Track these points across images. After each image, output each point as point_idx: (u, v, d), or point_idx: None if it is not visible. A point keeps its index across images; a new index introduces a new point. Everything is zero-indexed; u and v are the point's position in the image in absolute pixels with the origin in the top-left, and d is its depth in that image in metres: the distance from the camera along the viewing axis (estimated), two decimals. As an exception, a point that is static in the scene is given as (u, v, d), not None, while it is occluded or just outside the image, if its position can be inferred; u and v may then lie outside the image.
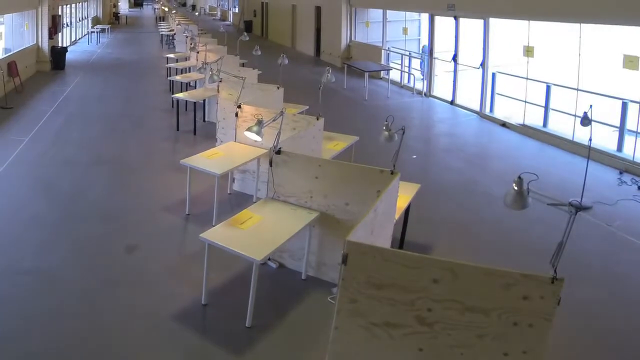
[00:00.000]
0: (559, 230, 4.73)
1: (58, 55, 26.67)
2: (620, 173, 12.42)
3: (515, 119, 16.36)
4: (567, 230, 4.80)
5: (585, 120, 10.56)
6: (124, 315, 7.23)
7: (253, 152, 10.49)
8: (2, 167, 12.22)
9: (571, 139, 14.15)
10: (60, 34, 30.09)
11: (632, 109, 12.86)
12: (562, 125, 14.84)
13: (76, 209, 10.53)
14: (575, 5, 13.10)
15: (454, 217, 10.49)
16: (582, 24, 14.02)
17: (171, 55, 24.37)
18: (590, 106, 10.58)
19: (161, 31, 38.30)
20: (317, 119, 10.46)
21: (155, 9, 62.30)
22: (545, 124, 15.56)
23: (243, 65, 19.65)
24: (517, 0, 15.10)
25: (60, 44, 29.01)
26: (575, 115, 13.57)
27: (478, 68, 18.24)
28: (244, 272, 7.92)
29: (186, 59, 22.42)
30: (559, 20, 14.13)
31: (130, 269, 8.44)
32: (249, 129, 8.28)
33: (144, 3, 79.93)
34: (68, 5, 34.35)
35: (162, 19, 47.44)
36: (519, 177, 6.38)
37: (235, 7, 54.66)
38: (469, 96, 19.37)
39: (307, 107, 13.82)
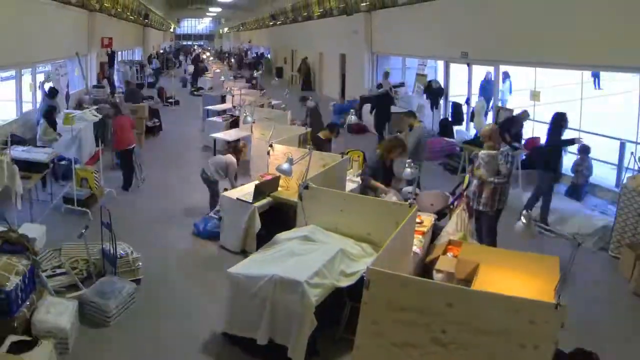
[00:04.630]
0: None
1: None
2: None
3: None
4: (571, 260, 4.84)
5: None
6: None
7: (284, 187, 10.61)
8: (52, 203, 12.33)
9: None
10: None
11: (629, 148, 12.83)
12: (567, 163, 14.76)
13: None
14: (578, 54, 13.13)
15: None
16: (584, 71, 14.11)
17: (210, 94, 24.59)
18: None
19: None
20: (342, 157, 10.56)
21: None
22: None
23: (273, 107, 19.81)
24: (525, 49, 15.14)
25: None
26: (577, 154, 13.44)
27: (489, 110, 18.28)
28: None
29: (222, 99, 22.61)
30: (563, 68, 14.17)
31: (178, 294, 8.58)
32: (279, 166, 8.41)
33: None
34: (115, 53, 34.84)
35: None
36: (527, 211, 6.43)
37: (267, 53, 55.20)
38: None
39: (333, 145, 13.92)
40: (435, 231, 9.31)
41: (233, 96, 20.38)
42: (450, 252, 8.06)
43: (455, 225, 8.97)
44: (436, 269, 7.62)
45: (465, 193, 9.42)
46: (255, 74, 30.75)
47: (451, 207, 9.71)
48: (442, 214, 9.87)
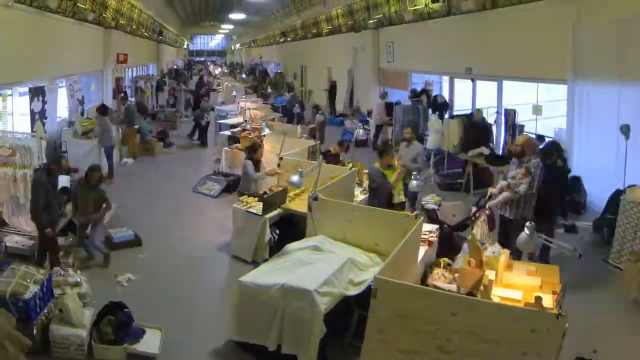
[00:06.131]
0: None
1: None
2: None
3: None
4: (573, 271, 4.86)
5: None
6: None
7: (293, 198, 10.64)
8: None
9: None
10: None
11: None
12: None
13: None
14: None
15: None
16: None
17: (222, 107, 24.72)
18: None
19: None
20: (350, 169, 10.61)
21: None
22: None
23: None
24: (527, 65, 15.21)
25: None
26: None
27: (492, 124, 18.26)
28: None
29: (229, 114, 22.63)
30: (563, 83, 14.11)
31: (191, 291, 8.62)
32: (290, 179, 8.45)
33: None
34: (130, 69, 34.96)
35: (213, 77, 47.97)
36: (530, 223, 6.44)
37: (278, 69, 55.33)
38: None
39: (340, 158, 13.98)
40: (457, 242, 9.30)
41: (245, 111, 20.40)
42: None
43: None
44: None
45: (487, 205, 9.42)
46: (269, 90, 30.88)
47: (472, 218, 9.68)
48: (464, 226, 9.87)
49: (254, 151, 11.26)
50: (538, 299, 5.39)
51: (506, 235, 8.95)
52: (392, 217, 7.97)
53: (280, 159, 11.44)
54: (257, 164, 11.18)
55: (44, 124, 16.30)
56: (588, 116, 12.86)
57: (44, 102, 16.72)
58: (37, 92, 16.33)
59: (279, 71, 52.09)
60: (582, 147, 12.88)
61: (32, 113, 16.12)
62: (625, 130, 11.46)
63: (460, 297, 5.20)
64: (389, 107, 20.95)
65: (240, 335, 7.06)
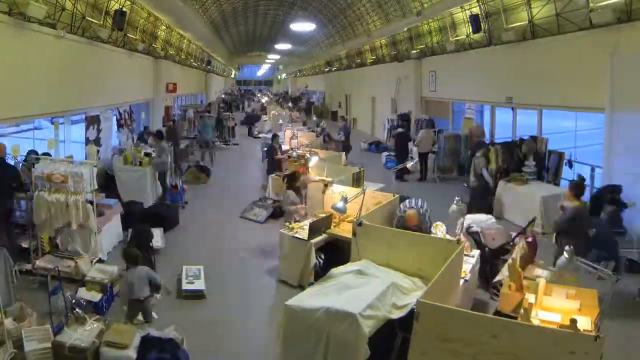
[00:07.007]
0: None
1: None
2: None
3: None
4: (610, 295, 4.91)
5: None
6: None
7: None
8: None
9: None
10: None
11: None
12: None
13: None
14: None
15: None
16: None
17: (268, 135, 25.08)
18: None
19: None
20: (394, 196, 10.73)
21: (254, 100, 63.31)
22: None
23: (327, 149, 20.04)
24: (565, 94, 15.24)
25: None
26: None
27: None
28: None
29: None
30: (601, 112, 14.06)
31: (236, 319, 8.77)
32: (334, 205, 8.59)
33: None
34: (179, 98, 35.55)
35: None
36: (570, 247, 6.48)
37: (322, 99, 55.68)
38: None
39: (384, 185, 14.11)
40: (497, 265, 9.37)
41: (291, 139, 20.63)
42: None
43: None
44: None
45: (527, 230, 9.43)
46: (315, 117, 31.14)
47: (511, 243, 9.72)
48: (505, 250, 9.90)
49: (293, 180, 11.63)
50: (573, 322, 5.47)
51: None
52: (434, 242, 8.07)
53: (325, 185, 11.60)
54: (297, 192, 11.51)
55: (98, 152, 16.76)
56: (625, 145, 12.80)
57: (98, 130, 17.21)
58: (92, 121, 16.84)
59: (323, 100, 52.62)
60: (620, 176, 12.81)
61: (87, 141, 16.60)
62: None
63: (500, 319, 5.28)
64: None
65: (287, 357, 7.17)
